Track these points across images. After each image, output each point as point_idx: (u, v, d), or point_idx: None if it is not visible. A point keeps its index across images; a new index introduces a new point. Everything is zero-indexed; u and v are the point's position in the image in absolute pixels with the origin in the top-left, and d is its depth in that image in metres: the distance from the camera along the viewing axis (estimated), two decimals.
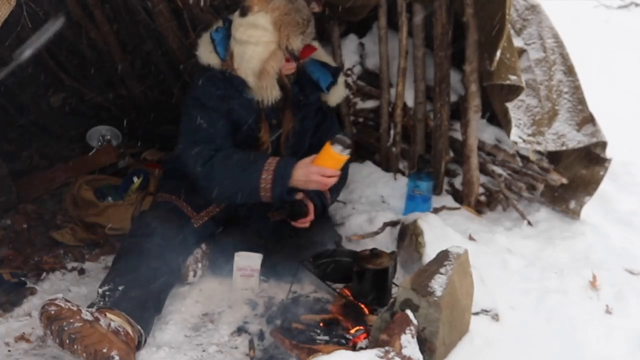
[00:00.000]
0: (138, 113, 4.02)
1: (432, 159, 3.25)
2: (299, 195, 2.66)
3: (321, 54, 2.91)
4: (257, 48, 2.55)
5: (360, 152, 3.50)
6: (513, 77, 2.79)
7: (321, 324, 2.36)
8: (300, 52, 2.63)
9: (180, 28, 3.39)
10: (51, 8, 3.52)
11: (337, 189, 2.85)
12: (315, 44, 2.85)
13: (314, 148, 2.70)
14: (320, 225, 2.81)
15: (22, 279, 2.76)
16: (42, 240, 3.11)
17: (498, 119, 3.06)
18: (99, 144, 3.87)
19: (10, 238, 3.10)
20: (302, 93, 2.79)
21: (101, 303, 2.32)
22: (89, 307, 2.29)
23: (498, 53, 2.73)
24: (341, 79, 2.94)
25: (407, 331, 2.00)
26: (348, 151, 2.48)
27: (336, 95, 2.92)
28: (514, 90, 2.84)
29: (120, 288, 2.36)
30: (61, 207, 3.34)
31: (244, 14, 2.57)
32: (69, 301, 2.19)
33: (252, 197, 2.56)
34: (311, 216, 2.73)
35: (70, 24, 3.75)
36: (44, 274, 2.85)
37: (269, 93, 2.62)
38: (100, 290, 2.38)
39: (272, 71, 2.60)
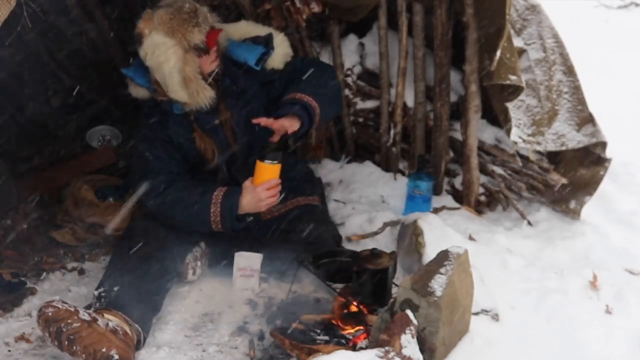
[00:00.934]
0: (138, 113, 4.01)
1: (432, 159, 3.25)
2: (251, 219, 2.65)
3: (248, 30, 2.83)
4: (170, 63, 2.54)
5: (360, 152, 3.50)
6: (513, 77, 2.79)
7: (321, 324, 2.36)
8: (207, 42, 2.57)
9: None
10: (51, 7, 3.51)
11: (329, 101, 2.75)
12: (245, 24, 2.82)
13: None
14: (320, 224, 2.80)
15: (22, 279, 2.76)
16: (42, 240, 3.11)
17: (498, 119, 3.06)
18: (99, 144, 3.87)
19: (10, 238, 3.10)
20: (233, 83, 2.73)
21: (97, 304, 2.33)
22: (85, 308, 2.29)
23: (498, 53, 2.73)
24: (279, 38, 2.80)
25: (407, 331, 2.00)
26: (279, 158, 2.53)
27: (278, 57, 2.79)
28: (514, 90, 2.84)
29: (115, 289, 2.37)
30: (61, 207, 3.34)
31: (140, 42, 2.57)
32: (66, 302, 2.19)
33: (204, 228, 2.61)
34: (287, 124, 2.57)
35: (70, 24, 3.75)
36: (44, 274, 2.85)
37: (202, 96, 2.59)
38: (96, 293, 2.39)
39: (192, 75, 2.56)
